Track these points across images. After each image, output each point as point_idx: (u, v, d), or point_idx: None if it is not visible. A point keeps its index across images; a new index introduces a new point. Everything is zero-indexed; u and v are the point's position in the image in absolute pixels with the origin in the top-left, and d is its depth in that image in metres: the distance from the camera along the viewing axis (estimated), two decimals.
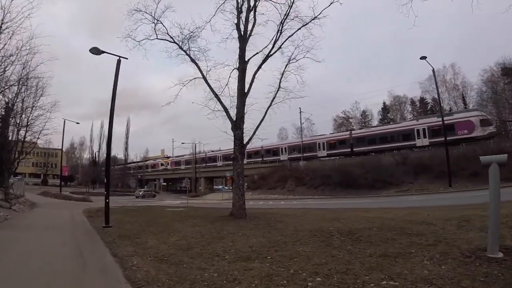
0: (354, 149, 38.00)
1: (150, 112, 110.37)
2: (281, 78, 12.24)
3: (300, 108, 40.40)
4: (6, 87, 15.54)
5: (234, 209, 11.44)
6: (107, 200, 10.30)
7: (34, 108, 19.34)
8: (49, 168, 67.75)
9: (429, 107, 50.03)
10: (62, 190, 38.14)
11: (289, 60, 12.20)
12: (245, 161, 49.36)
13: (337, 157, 39.05)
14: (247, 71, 12.14)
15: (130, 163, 73.21)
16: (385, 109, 54.38)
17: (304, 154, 41.68)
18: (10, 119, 18.81)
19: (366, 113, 56.97)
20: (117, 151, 71.94)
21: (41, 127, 20.29)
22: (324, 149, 41.09)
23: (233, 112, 12.05)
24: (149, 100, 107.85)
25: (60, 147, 44.22)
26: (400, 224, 7.68)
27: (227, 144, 56.55)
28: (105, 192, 10.60)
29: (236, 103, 12.05)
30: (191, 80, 12.33)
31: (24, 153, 21.80)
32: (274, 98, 12.23)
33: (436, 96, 45.67)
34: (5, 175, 19.14)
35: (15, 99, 17.91)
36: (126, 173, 67.88)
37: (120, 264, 5.33)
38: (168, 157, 72.43)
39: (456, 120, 31.19)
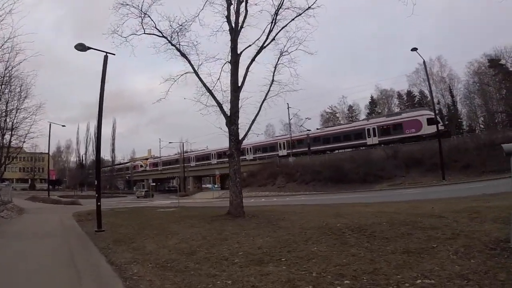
0: (311, 148, 40.42)
1: (136, 113, 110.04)
2: (274, 71, 11.85)
3: (288, 104, 40.26)
4: None
5: (231, 208, 11.03)
6: (99, 203, 9.70)
7: (18, 110, 18.70)
8: (36, 172, 66.01)
9: (416, 100, 50.50)
10: (50, 194, 36.98)
11: (281, 53, 11.78)
12: (216, 161, 51.28)
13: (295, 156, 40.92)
14: (240, 64, 11.72)
15: (117, 164, 71.89)
16: (372, 103, 54.64)
17: (266, 154, 44.20)
18: None
19: (353, 108, 57.30)
20: (104, 153, 69.96)
21: (26, 130, 19.62)
22: (284, 149, 43.40)
23: (226, 108, 11.61)
24: (135, 101, 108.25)
25: (46, 151, 42.81)
26: (409, 218, 7.40)
27: (218, 141, 57.06)
28: (96, 195, 9.98)
29: (229, 98, 11.62)
30: (182, 75, 11.84)
31: (10, 157, 20.79)
32: (268, 92, 11.86)
33: (423, 89, 46.85)
34: None
35: None
36: (114, 175, 66.57)
37: (119, 273, 4.81)
38: (147, 159, 71.78)
39: (404, 119, 32.98)
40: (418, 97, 50.45)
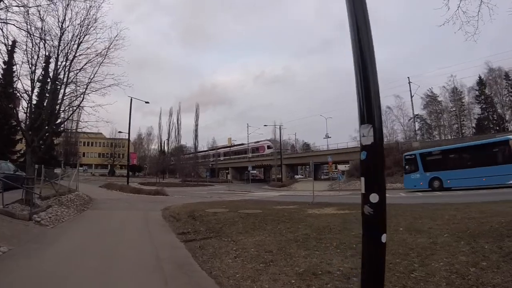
0: (219, 161, 66.39)
1: (224, 107, 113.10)
2: None
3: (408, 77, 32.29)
4: None
5: None
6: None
7: (80, 42, 11.42)
8: (116, 158, 65.69)
9: None
10: (129, 181, 31.44)
11: None
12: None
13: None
14: None
15: (199, 152, 68.84)
16: (480, 83, 43.67)
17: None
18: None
19: (458, 90, 46.09)
20: (186, 141, 70.22)
21: (89, 75, 12.01)
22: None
23: None
24: (226, 96, 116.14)
25: (126, 137, 37.20)
26: None
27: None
28: None
29: None
30: None
31: (62, 120, 13.68)
32: None
33: None
34: (27, 160, 10.69)
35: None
36: (196, 162, 63.70)
37: None
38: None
39: (259, 145, 59.08)
40: None
